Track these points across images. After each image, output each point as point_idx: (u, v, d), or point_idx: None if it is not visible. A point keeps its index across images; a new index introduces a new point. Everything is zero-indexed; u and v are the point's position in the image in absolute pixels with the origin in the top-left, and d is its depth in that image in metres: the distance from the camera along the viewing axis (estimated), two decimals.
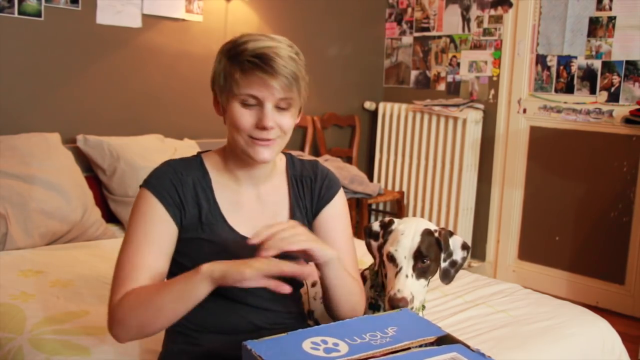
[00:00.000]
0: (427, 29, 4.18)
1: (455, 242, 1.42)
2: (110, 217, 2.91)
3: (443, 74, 4.12)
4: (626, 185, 3.36)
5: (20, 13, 2.84)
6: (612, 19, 3.36)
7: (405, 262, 1.34)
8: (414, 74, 4.28)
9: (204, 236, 1.28)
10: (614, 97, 3.38)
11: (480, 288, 2.14)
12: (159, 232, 1.25)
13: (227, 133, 1.32)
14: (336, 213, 1.45)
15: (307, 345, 1.08)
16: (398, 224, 1.42)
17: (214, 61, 1.33)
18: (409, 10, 4.27)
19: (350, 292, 1.33)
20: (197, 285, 1.12)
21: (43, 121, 2.94)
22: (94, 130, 3.04)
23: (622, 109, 3.33)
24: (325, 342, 1.09)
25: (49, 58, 2.97)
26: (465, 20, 3.98)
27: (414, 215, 4.14)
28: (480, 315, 1.89)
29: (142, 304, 1.16)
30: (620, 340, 1.91)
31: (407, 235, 1.37)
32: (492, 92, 3.88)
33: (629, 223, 3.34)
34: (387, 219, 1.47)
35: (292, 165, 1.44)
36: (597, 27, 3.42)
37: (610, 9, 3.36)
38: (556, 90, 3.62)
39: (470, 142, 3.85)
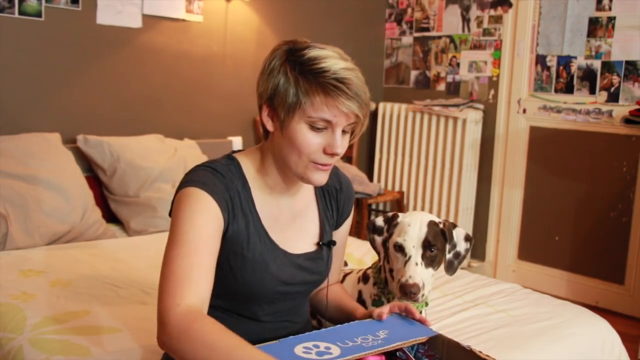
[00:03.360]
0: (427, 29, 4.18)
1: (458, 234, 1.46)
2: (110, 217, 2.91)
3: (443, 74, 4.12)
4: (626, 185, 3.36)
5: (20, 13, 2.84)
6: (611, 19, 3.36)
7: (414, 251, 1.38)
8: (413, 74, 4.28)
9: (248, 254, 1.22)
10: (613, 97, 3.38)
11: (480, 288, 2.14)
12: (213, 229, 1.14)
13: (275, 148, 1.23)
14: (348, 224, 1.48)
15: (299, 350, 1.09)
16: (403, 217, 1.45)
17: (268, 70, 1.19)
18: (409, 10, 4.27)
19: None
20: None
21: (43, 121, 2.94)
22: (94, 130, 3.04)
23: (621, 109, 3.33)
24: (317, 347, 1.10)
25: (49, 58, 2.97)
26: (465, 20, 3.98)
27: None
28: (480, 315, 1.89)
29: (203, 349, 1.01)
30: (620, 340, 1.92)
31: (413, 226, 1.40)
32: (492, 92, 3.88)
33: (629, 223, 3.34)
34: (390, 213, 1.50)
35: None
36: (597, 27, 3.42)
37: (610, 9, 3.36)
38: (556, 91, 3.62)
39: (470, 142, 3.85)
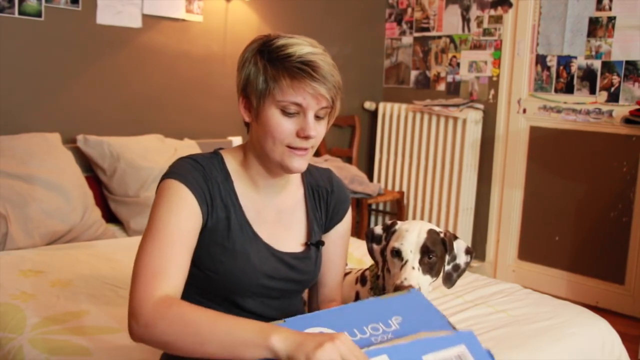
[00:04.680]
0: (427, 29, 4.18)
1: (459, 246, 1.42)
2: (110, 217, 2.92)
3: (443, 74, 4.12)
4: (626, 185, 3.36)
5: (20, 13, 2.84)
6: (612, 19, 3.36)
7: (412, 256, 1.35)
8: (414, 74, 4.28)
9: (228, 245, 1.23)
10: (613, 97, 3.38)
11: (480, 288, 2.14)
12: (190, 225, 1.17)
13: (254, 139, 1.26)
14: (344, 231, 1.44)
15: None
16: (401, 224, 1.43)
17: (242, 62, 1.24)
18: (409, 10, 4.27)
19: None
20: (256, 351, 0.99)
21: (43, 121, 2.94)
22: (94, 131, 3.04)
23: (621, 109, 3.33)
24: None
25: (49, 58, 2.97)
26: (465, 20, 3.98)
27: (414, 215, 4.14)
28: (480, 315, 1.89)
29: (186, 326, 1.04)
30: (620, 340, 1.91)
31: (412, 232, 1.38)
32: (492, 92, 3.88)
33: (629, 223, 3.34)
34: (389, 221, 1.48)
35: (308, 172, 1.39)
36: (597, 27, 3.42)
37: (610, 9, 3.36)
38: (556, 91, 3.62)
39: (470, 142, 3.85)
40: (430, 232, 1.39)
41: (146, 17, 3.26)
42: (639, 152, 3.30)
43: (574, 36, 3.52)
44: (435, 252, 1.37)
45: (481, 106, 3.89)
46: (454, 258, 1.41)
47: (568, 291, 3.56)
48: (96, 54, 3.12)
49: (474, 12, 3.93)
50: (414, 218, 4.15)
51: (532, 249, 3.79)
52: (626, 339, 2.07)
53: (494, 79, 3.87)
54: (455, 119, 3.86)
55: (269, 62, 1.19)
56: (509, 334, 1.75)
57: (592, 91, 3.47)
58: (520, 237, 3.84)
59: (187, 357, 1.06)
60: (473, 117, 3.84)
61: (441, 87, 4.13)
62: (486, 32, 3.88)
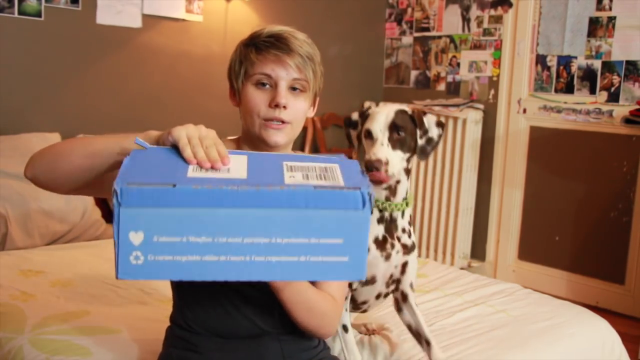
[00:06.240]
0: (427, 29, 4.18)
1: (429, 120, 1.51)
2: (110, 217, 2.92)
3: (443, 74, 4.12)
4: (626, 185, 3.36)
5: (20, 13, 2.84)
6: (612, 19, 3.36)
7: (381, 134, 1.44)
8: (414, 74, 4.28)
9: None
10: (613, 97, 3.38)
11: (480, 288, 2.15)
12: None
13: (242, 123, 1.32)
14: None
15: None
16: (374, 108, 1.52)
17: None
18: (409, 10, 4.27)
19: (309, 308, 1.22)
20: (116, 146, 1.05)
21: (43, 121, 2.94)
22: (94, 130, 3.04)
23: (622, 109, 3.33)
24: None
25: (49, 58, 2.97)
26: (465, 20, 3.98)
27: (415, 216, 4.15)
28: (480, 315, 1.90)
29: (55, 146, 1.13)
30: (620, 340, 1.92)
31: (381, 113, 1.47)
32: (492, 92, 3.88)
33: (629, 223, 3.34)
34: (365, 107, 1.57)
35: None
36: (597, 27, 3.42)
37: (610, 9, 3.36)
38: (556, 91, 3.62)
39: (470, 142, 3.85)
40: (399, 111, 1.47)
41: (146, 17, 3.26)
42: (639, 152, 3.30)
43: (574, 36, 3.52)
44: (403, 128, 1.45)
45: (481, 106, 3.89)
46: (425, 132, 1.49)
47: (568, 291, 3.56)
48: (96, 54, 3.12)
49: (474, 12, 3.93)
50: (415, 219, 4.15)
51: (532, 249, 3.79)
52: (626, 339, 2.07)
53: (494, 79, 3.87)
54: (455, 119, 3.86)
55: (244, 46, 1.28)
56: (509, 334, 1.76)
57: (592, 91, 3.47)
58: (520, 237, 3.84)
59: (62, 178, 1.11)
60: (473, 117, 3.84)
61: (441, 87, 4.13)
62: (486, 32, 3.88)
